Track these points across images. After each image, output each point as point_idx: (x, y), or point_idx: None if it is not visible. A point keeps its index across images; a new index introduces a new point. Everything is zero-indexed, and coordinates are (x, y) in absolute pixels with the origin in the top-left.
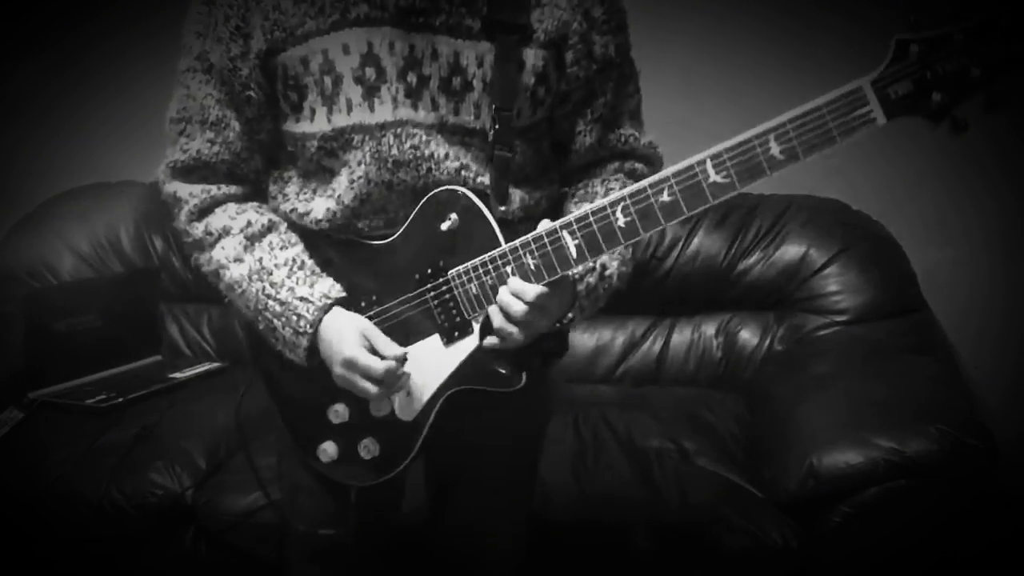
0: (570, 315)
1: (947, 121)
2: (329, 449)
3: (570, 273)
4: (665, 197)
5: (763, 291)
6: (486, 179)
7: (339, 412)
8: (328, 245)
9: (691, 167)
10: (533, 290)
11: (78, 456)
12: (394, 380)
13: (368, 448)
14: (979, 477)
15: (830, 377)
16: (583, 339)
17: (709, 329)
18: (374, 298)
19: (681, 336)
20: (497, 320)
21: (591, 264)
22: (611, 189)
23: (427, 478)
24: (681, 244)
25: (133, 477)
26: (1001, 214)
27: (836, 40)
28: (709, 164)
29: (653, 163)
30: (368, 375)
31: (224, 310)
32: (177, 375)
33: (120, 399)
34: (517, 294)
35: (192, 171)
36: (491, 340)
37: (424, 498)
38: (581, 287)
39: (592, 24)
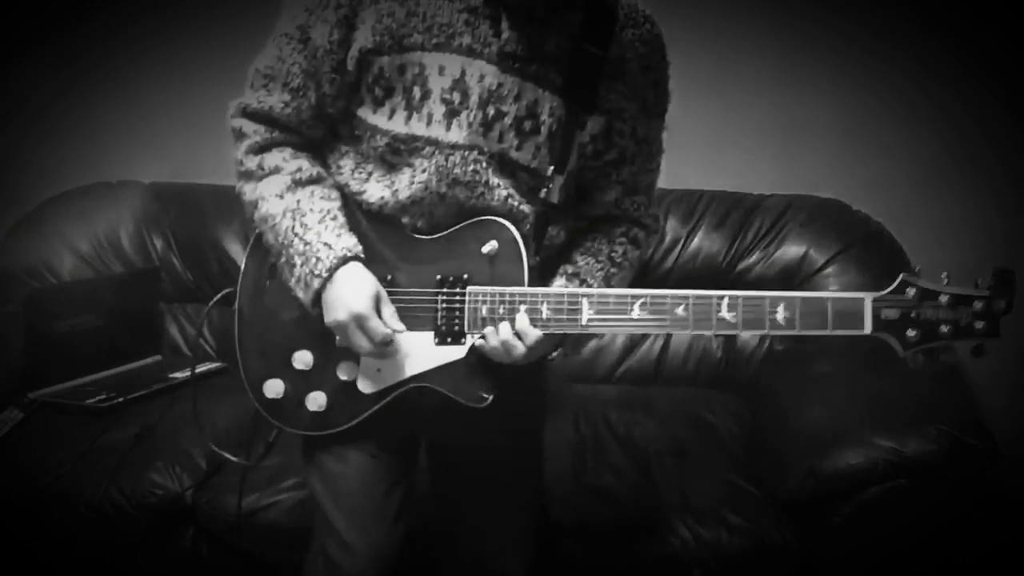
0: (553, 354)
1: (910, 352)
2: (277, 387)
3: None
4: (680, 312)
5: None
6: (526, 208)
7: (305, 359)
8: (367, 218)
9: (708, 298)
10: (534, 335)
11: (78, 456)
12: (383, 351)
13: (317, 400)
14: (979, 477)
15: (830, 377)
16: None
17: None
18: (388, 277)
19: (681, 336)
20: (493, 340)
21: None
22: (614, 252)
23: (433, 486)
24: (681, 244)
25: (133, 477)
26: (1002, 213)
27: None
28: (725, 301)
29: (653, 232)
30: (371, 335)
31: (223, 311)
32: (177, 375)
33: (120, 399)
34: (520, 334)
35: (259, 118)
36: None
37: (432, 507)
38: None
39: (643, 107)
